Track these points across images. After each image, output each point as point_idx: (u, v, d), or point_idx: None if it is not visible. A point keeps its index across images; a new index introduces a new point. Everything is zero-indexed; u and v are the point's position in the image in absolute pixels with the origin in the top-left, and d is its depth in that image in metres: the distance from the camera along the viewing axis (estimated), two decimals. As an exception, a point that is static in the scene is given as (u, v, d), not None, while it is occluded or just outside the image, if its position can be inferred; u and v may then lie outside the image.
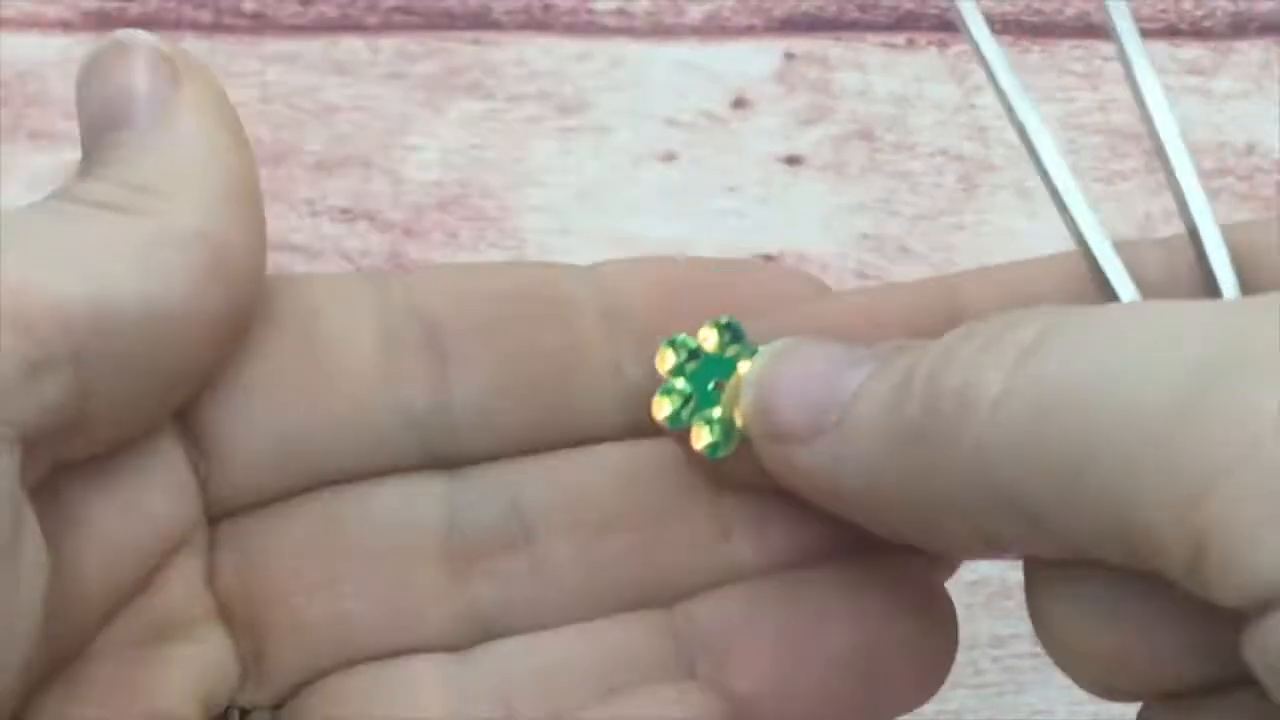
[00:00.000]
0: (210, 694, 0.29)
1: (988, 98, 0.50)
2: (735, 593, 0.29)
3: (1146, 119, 0.30)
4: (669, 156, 0.48)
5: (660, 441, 0.30)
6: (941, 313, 0.29)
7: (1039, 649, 0.37)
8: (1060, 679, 0.37)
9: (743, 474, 0.30)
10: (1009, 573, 0.38)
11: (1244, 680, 0.23)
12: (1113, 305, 0.26)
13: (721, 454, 0.30)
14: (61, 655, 0.28)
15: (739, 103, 0.49)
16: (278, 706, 0.30)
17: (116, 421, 0.28)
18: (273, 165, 0.47)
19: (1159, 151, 0.30)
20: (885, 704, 0.29)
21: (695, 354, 0.30)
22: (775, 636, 0.29)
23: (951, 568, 0.31)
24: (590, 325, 0.30)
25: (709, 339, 0.30)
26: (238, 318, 0.29)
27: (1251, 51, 0.51)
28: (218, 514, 0.30)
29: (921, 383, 0.26)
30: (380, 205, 0.47)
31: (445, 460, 0.30)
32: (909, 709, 0.29)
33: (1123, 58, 0.31)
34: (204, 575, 0.29)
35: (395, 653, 0.29)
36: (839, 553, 0.30)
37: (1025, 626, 0.38)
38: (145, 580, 0.29)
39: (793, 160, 0.48)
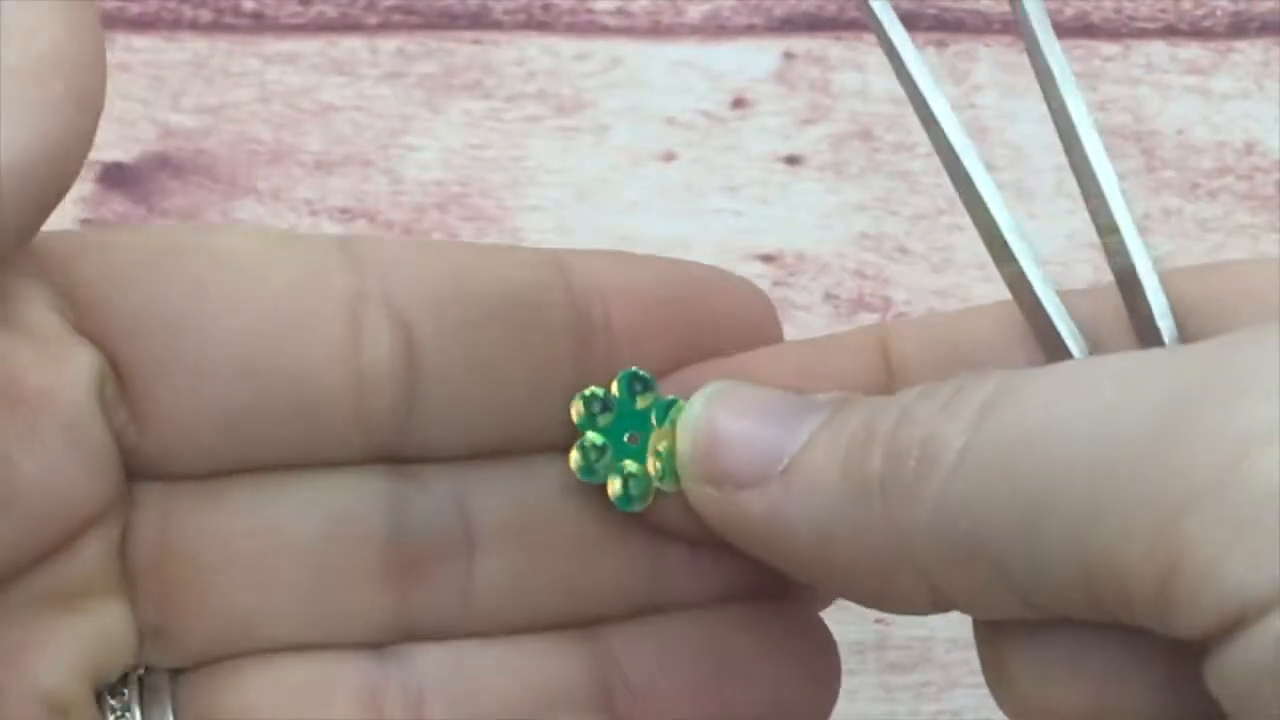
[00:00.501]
0: (100, 668, 0.28)
1: (986, 97, 0.50)
2: (654, 628, 0.29)
3: (1083, 180, 0.30)
4: (668, 156, 0.48)
5: None
6: (876, 367, 0.29)
7: (1038, 648, 0.37)
8: (1059, 678, 0.37)
9: (661, 525, 0.30)
10: (1008, 572, 0.38)
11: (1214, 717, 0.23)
12: (1072, 361, 0.26)
13: (635, 507, 0.30)
14: None
15: (738, 102, 0.49)
16: (177, 671, 0.29)
17: None
18: (272, 165, 0.47)
19: (1091, 195, 0.30)
20: None
21: (608, 404, 0.30)
22: (691, 682, 0.29)
23: (827, 599, 0.31)
24: (562, 337, 0.30)
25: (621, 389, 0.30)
26: (85, 142, 0.27)
27: (1251, 51, 0.51)
28: (148, 475, 0.29)
29: (883, 438, 0.26)
30: (380, 205, 0.47)
31: (398, 459, 0.29)
32: None
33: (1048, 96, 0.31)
34: (116, 544, 0.28)
35: (315, 647, 0.29)
36: (762, 589, 0.30)
37: (1024, 626, 0.38)
38: (50, 550, 0.27)
39: (792, 160, 0.48)
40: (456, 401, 0.29)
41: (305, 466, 0.29)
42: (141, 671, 0.29)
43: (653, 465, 0.30)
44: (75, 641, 0.28)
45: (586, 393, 0.30)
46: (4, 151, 0.25)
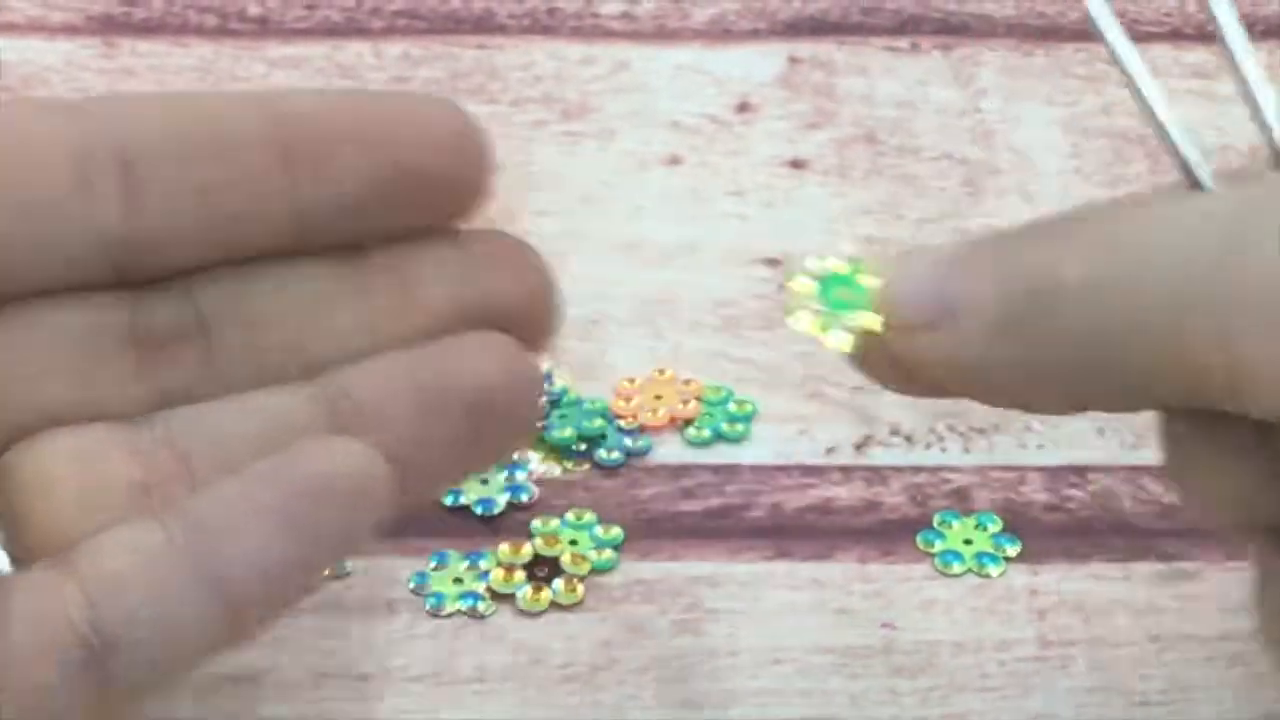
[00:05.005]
0: None
1: (991, 101, 0.50)
2: (378, 363, 0.33)
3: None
4: (674, 160, 0.48)
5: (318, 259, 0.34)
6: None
7: (1045, 652, 0.37)
8: (1065, 682, 0.37)
9: (871, 374, 0.34)
10: (1014, 577, 0.38)
11: None
12: (1158, 198, 0.32)
13: (852, 352, 0.33)
14: None
15: (743, 106, 0.49)
16: None
17: None
18: (278, 169, 0.47)
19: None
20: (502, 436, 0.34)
21: (823, 277, 0.34)
22: (412, 399, 0.33)
23: None
24: (268, 158, 0.33)
25: (837, 264, 0.34)
26: None
27: (1256, 54, 0.51)
28: None
29: (1021, 280, 0.32)
30: (385, 209, 0.47)
31: (133, 280, 0.34)
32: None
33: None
34: None
35: (90, 419, 0.33)
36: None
37: (1030, 630, 0.38)
38: None
39: (797, 164, 0.48)
40: (180, 222, 0.33)
41: (55, 293, 0.33)
42: None
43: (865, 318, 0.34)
44: None
45: (808, 268, 0.34)
46: None
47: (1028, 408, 0.34)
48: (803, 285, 0.34)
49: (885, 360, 0.34)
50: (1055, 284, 0.31)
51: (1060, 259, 0.31)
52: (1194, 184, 0.32)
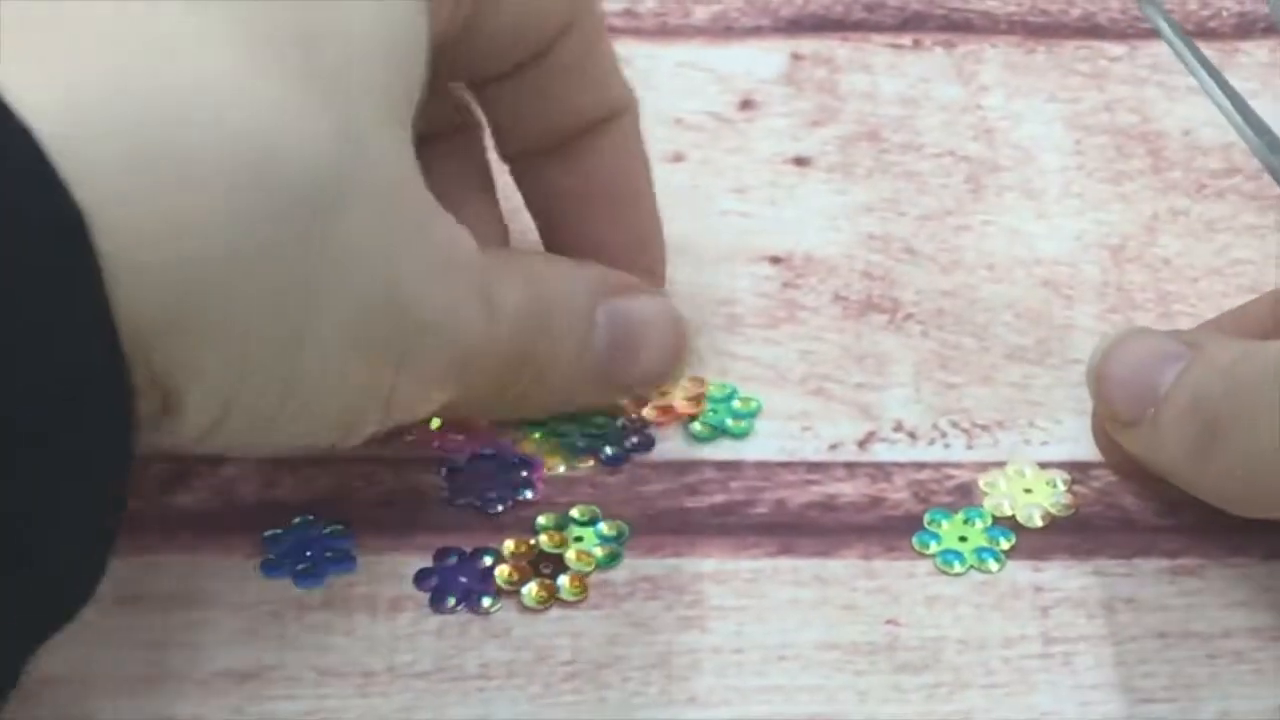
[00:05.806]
0: None
1: (993, 98, 0.50)
2: None
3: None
4: (677, 157, 0.48)
5: None
6: None
7: (1049, 649, 0.37)
8: (1070, 679, 0.37)
9: (1103, 448, 0.40)
10: (1018, 574, 0.38)
11: None
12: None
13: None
14: None
15: (746, 104, 0.49)
16: None
17: None
18: (281, 167, 0.47)
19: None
20: None
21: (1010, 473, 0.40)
22: None
23: None
24: None
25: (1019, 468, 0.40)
26: None
27: (1258, 52, 0.51)
28: None
29: (1204, 412, 0.36)
30: (388, 206, 0.47)
31: None
32: None
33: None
34: None
35: None
36: None
37: (1035, 627, 0.38)
38: None
39: (800, 161, 0.48)
40: None
41: None
42: None
43: None
44: None
45: None
46: None
47: (1220, 506, 0.37)
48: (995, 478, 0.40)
49: (1107, 439, 0.38)
50: (1221, 425, 0.35)
51: (1227, 401, 0.35)
52: None
